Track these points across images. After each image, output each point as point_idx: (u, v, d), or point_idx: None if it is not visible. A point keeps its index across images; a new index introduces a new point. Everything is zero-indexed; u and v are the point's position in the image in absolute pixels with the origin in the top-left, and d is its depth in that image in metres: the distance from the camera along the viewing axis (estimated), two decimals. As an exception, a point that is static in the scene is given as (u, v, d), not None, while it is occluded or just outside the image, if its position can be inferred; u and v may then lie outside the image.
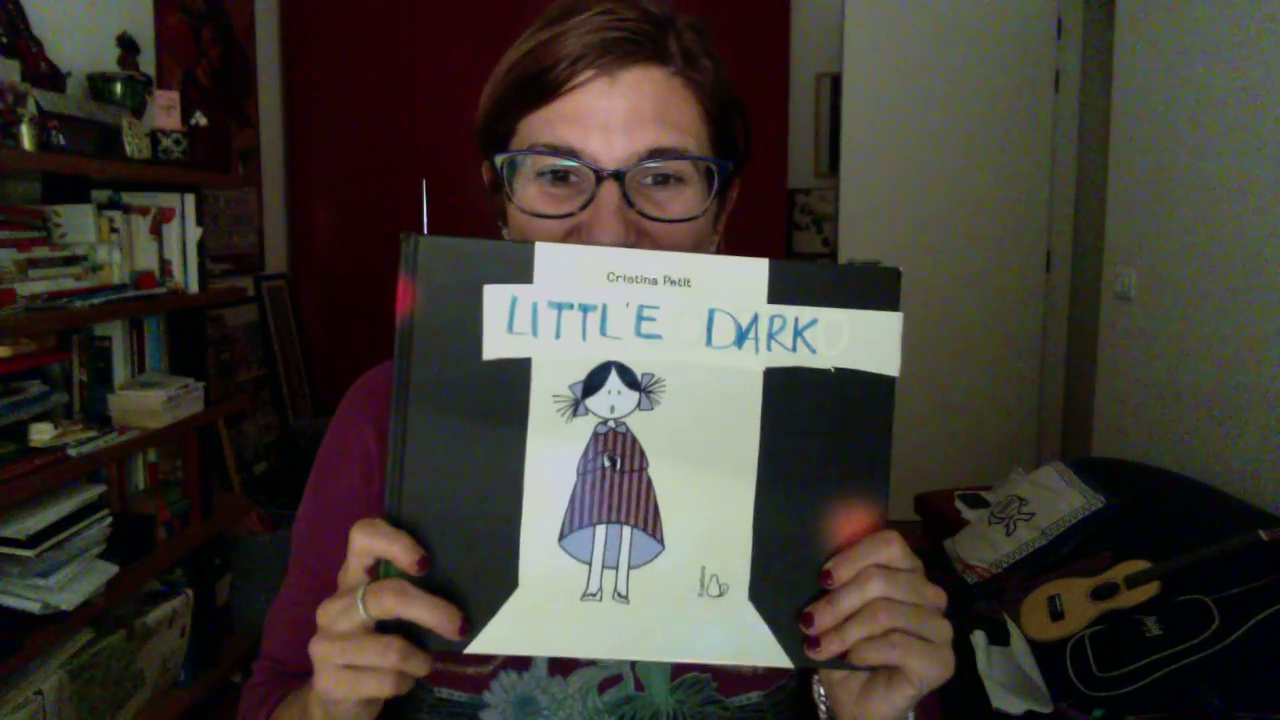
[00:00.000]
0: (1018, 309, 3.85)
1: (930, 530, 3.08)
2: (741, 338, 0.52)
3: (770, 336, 0.52)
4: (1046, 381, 3.97)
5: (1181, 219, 2.62)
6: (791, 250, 4.04)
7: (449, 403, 0.51)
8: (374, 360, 0.75)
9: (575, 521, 0.52)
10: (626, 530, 0.52)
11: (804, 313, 0.52)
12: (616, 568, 0.52)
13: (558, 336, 0.51)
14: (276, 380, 3.52)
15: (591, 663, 0.69)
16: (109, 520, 1.98)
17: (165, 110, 2.28)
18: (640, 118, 0.63)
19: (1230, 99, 2.42)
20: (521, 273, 0.51)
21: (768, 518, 0.53)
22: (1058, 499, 2.47)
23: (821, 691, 0.60)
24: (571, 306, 0.51)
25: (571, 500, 0.51)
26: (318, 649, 0.52)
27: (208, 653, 2.42)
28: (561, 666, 0.68)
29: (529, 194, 0.66)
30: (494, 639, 0.51)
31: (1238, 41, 2.39)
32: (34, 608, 1.74)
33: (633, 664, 0.69)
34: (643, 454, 0.52)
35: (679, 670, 0.69)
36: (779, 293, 0.52)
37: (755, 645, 0.53)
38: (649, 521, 0.52)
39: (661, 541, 0.52)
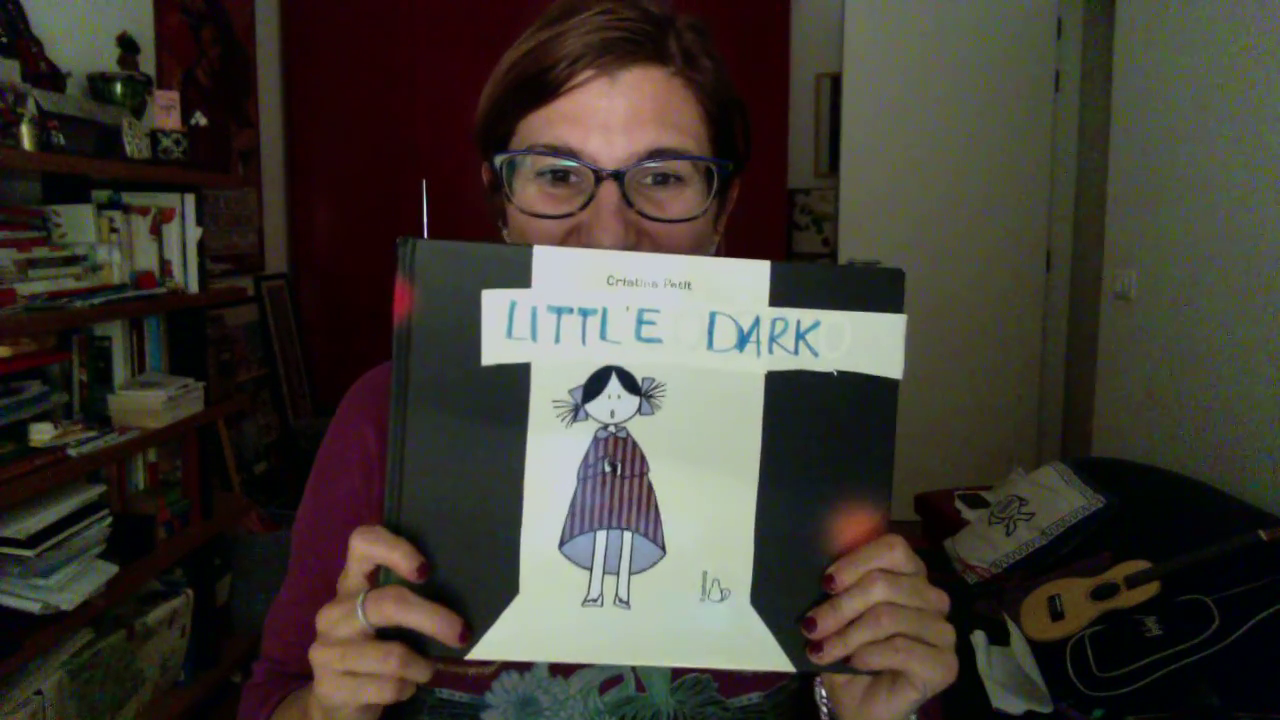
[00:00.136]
0: (1018, 309, 3.84)
1: (930, 530, 3.08)
2: (743, 341, 0.52)
3: (772, 339, 0.52)
4: (1046, 381, 3.97)
5: (1181, 219, 2.62)
6: (791, 250, 4.04)
7: (448, 408, 0.51)
8: (374, 360, 0.74)
9: (576, 527, 0.51)
10: (627, 535, 0.52)
11: (806, 315, 0.52)
12: (617, 573, 0.52)
13: (557, 341, 0.51)
14: (276, 380, 3.52)
15: (593, 664, 0.68)
16: (109, 520, 1.98)
17: (165, 110, 2.27)
18: (640, 118, 0.63)
19: (1230, 99, 2.42)
20: (520, 277, 0.50)
21: (770, 522, 0.52)
22: (1058, 499, 2.47)
23: (824, 694, 0.60)
24: (571, 310, 0.50)
25: (572, 506, 0.51)
26: (318, 655, 0.52)
27: (208, 653, 2.42)
28: (563, 667, 0.68)
29: (528, 194, 0.66)
30: (495, 645, 0.51)
31: (1238, 41, 2.39)
32: (34, 608, 1.74)
33: (634, 665, 0.69)
34: (643, 459, 0.51)
35: (680, 671, 0.69)
36: (781, 295, 0.52)
37: (757, 649, 0.53)
38: (650, 526, 0.52)
39: (663, 546, 0.52)
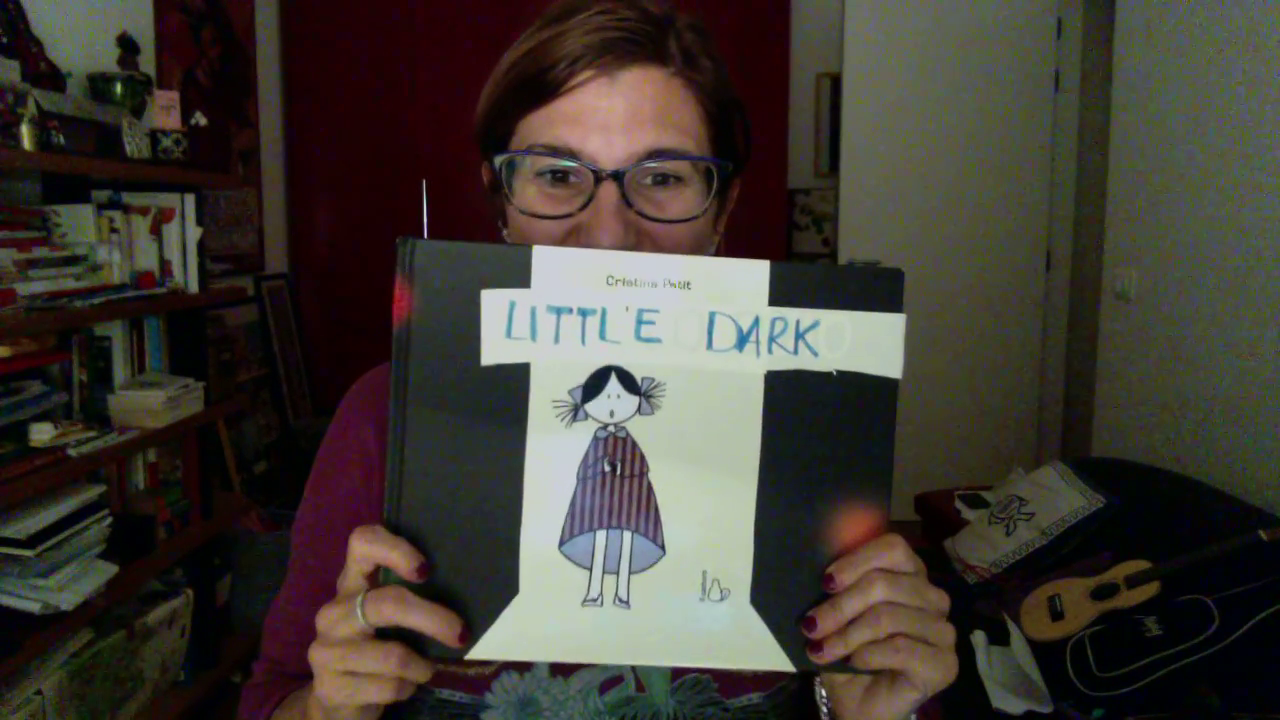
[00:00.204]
0: (1018, 309, 3.84)
1: (930, 530, 3.08)
2: (743, 341, 0.52)
3: (772, 339, 0.52)
4: (1046, 381, 3.97)
5: (1181, 219, 2.62)
6: (791, 250, 4.04)
7: (448, 408, 0.51)
8: (374, 360, 0.74)
9: (576, 527, 0.51)
10: (627, 535, 0.52)
11: (806, 315, 0.52)
12: (617, 573, 0.52)
13: (556, 341, 0.51)
14: (276, 380, 3.52)
15: (593, 664, 0.68)
16: (109, 520, 1.98)
17: (165, 110, 2.27)
18: (640, 118, 0.63)
19: (1230, 99, 2.42)
20: (519, 277, 0.50)
21: (769, 521, 0.52)
22: (1058, 499, 2.47)
23: (824, 693, 0.60)
24: (570, 310, 0.51)
25: (572, 505, 0.51)
26: (317, 655, 0.52)
27: (208, 653, 2.42)
28: (563, 667, 0.68)
29: (528, 195, 0.66)
30: (494, 645, 0.51)
31: (1238, 41, 2.39)
32: (34, 608, 1.74)
33: (633, 665, 0.69)
34: (643, 458, 0.51)
35: (680, 671, 0.69)
36: (780, 295, 0.52)
37: (757, 649, 0.53)
38: (650, 526, 0.52)
39: (662, 546, 0.52)
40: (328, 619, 0.52)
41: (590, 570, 0.51)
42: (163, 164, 2.24)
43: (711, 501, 0.52)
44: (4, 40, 2.02)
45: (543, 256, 0.50)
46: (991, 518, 2.60)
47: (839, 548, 0.53)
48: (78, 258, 2.04)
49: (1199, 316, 2.54)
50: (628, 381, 0.51)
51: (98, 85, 2.29)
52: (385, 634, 0.51)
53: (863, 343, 0.52)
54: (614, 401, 0.51)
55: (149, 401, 2.12)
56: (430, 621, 0.50)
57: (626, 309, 0.51)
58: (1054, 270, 3.90)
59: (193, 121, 2.39)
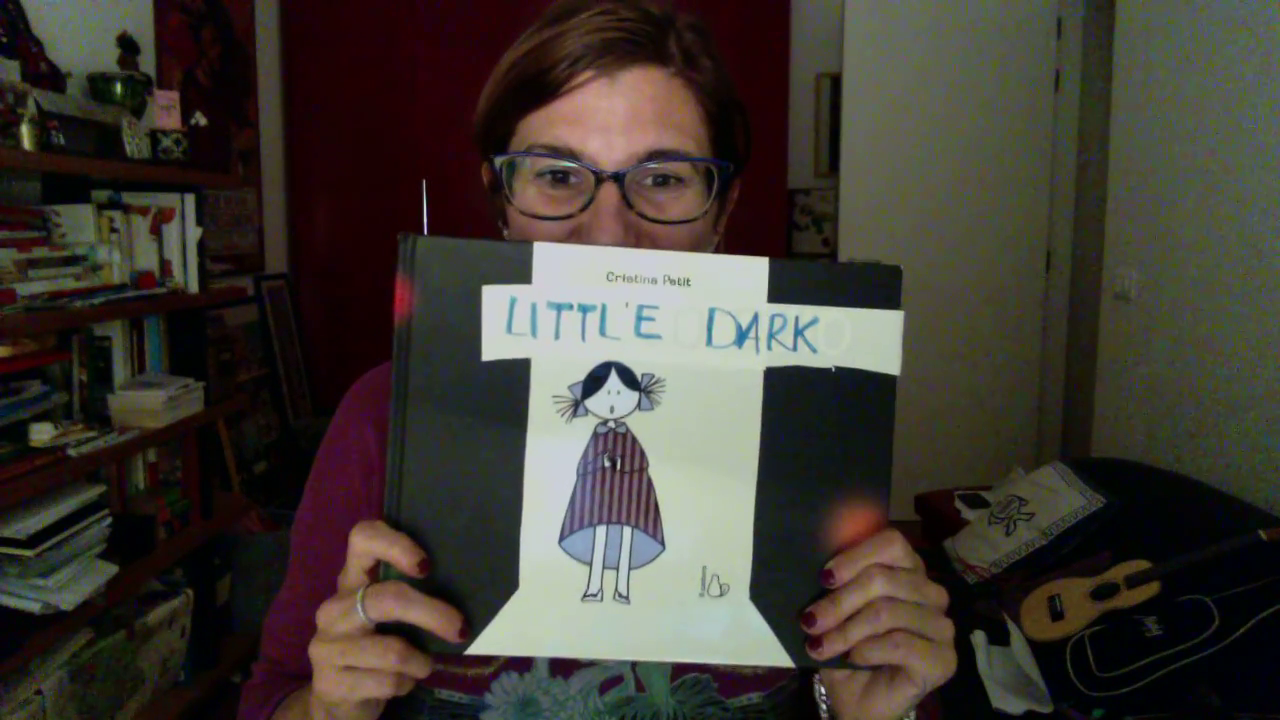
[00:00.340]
0: (1018, 309, 3.85)
1: (930, 530, 3.08)
2: (742, 337, 0.52)
3: (771, 336, 0.52)
4: (1046, 381, 3.97)
5: (1181, 219, 2.62)
6: (791, 250, 4.04)
7: (448, 404, 0.51)
8: (374, 360, 0.74)
9: (575, 522, 0.51)
10: (627, 531, 0.52)
11: (804, 312, 0.52)
12: (617, 568, 0.52)
13: (557, 337, 0.51)
14: (276, 380, 3.52)
15: (592, 663, 0.69)
16: (109, 520, 1.98)
17: (165, 110, 2.28)
18: (640, 119, 0.63)
19: (1230, 99, 2.42)
20: (520, 273, 0.50)
21: (769, 517, 0.52)
22: (1058, 499, 2.47)
23: (823, 691, 0.60)
24: (571, 307, 0.51)
25: (571, 501, 0.51)
26: (317, 651, 0.52)
27: (208, 653, 2.42)
28: (563, 667, 0.68)
29: (528, 195, 0.66)
30: (494, 640, 0.51)
31: (1238, 41, 2.39)
32: (34, 608, 1.74)
33: (633, 665, 0.69)
34: (643, 454, 0.52)
35: (679, 671, 0.69)
36: (779, 292, 0.52)
37: (757, 645, 0.53)
38: (649, 522, 0.52)
39: (662, 542, 0.52)
40: (328, 614, 0.52)
41: (590, 566, 0.52)
42: (163, 164, 2.24)
43: (711, 497, 0.52)
44: (4, 40, 2.02)
45: (544, 253, 0.51)
46: (991, 518, 2.60)
47: (838, 544, 0.53)
48: (78, 258, 2.05)
49: (1199, 316, 2.54)
50: (628, 377, 0.51)
51: (98, 85, 2.29)
52: (385, 629, 0.51)
53: (861, 339, 0.52)
54: (614, 397, 0.51)
55: (149, 401, 2.12)
56: (430, 617, 0.50)
57: (626, 305, 0.51)
58: (1054, 270, 3.90)
59: (193, 121, 2.39)
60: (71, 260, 2.02)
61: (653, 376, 0.51)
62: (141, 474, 2.30)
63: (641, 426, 0.51)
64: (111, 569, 1.93)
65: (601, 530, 0.52)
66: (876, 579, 0.51)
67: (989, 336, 3.84)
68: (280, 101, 3.76)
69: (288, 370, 3.62)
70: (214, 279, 2.68)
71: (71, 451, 1.87)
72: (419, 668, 0.51)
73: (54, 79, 2.12)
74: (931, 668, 0.52)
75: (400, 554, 0.50)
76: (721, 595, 0.52)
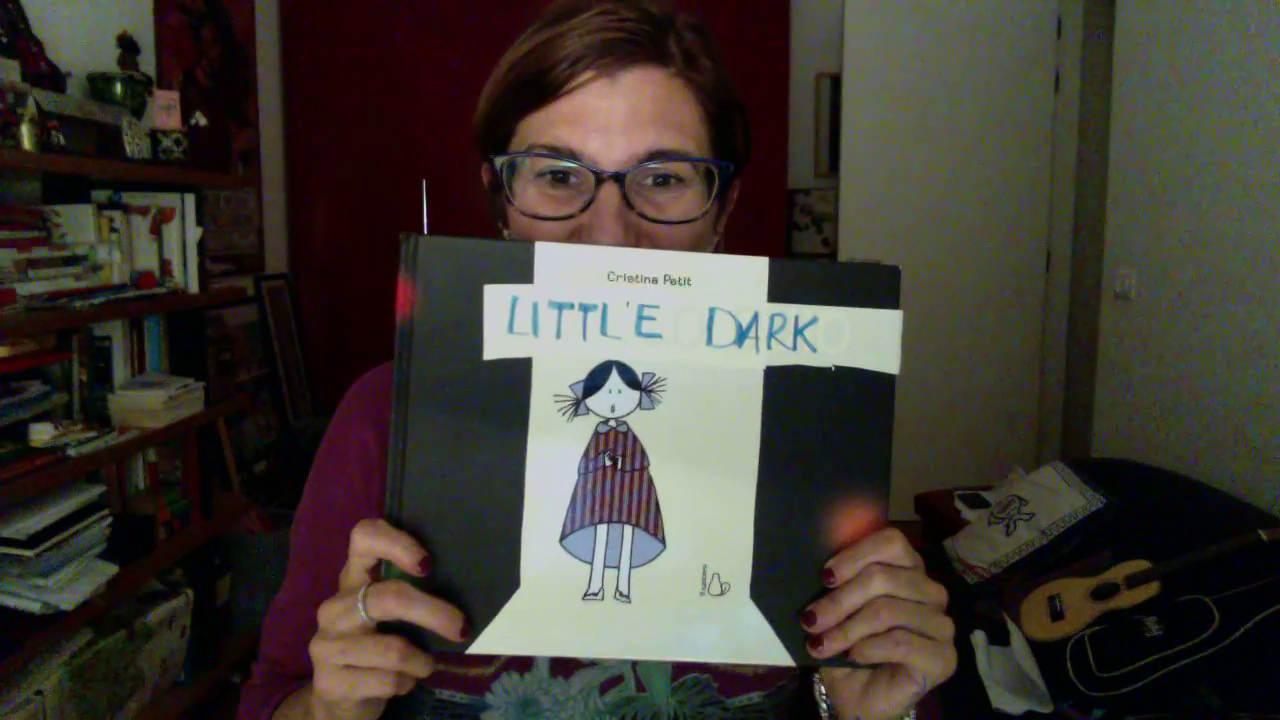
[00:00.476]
0: (1018, 309, 3.85)
1: (930, 530, 3.08)
2: (742, 336, 0.52)
3: (770, 335, 0.52)
4: (1046, 381, 3.97)
5: (1181, 219, 2.62)
6: (791, 250, 4.04)
7: (449, 403, 0.51)
8: (374, 360, 0.75)
9: (576, 521, 0.52)
10: (628, 530, 0.52)
11: (804, 311, 0.52)
12: (618, 567, 0.52)
13: (558, 336, 0.51)
14: (276, 380, 3.52)
15: (593, 664, 0.69)
16: (109, 520, 1.98)
17: (165, 110, 2.28)
18: (640, 119, 0.63)
19: (1230, 99, 2.42)
20: (522, 272, 0.51)
21: (769, 516, 0.53)
22: (1058, 499, 2.47)
23: (823, 690, 0.60)
24: (572, 306, 0.51)
25: (573, 500, 0.51)
26: (318, 649, 0.52)
27: (208, 653, 2.42)
28: (563, 667, 0.68)
29: (529, 196, 0.66)
30: (495, 640, 0.51)
31: (1238, 41, 2.39)
32: (34, 608, 1.74)
33: (634, 665, 0.69)
34: (644, 453, 0.52)
35: (680, 671, 0.69)
36: (779, 291, 0.52)
37: (757, 644, 0.53)
38: (650, 521, 0.52)
39: (663, 541, 0.52)
40: (329, 613, 0.52)
41: (591, 565, 0.52)
42: (163, 164, 2.24)
43: (711, 496, 0.52)
44: (4, 40, 2.02)
45: (545, 252, 0.51)
46: (991, 518, 2.61)
47: (838, 542, 0.53)
48: (78, 258, 2.05)
49: (1199, 316, 2.54)
50: (628, 376, 0.51)
51: (98, 85, 2.29)
52: (386, 628, 0.51)
53: (861, 339, 0.53)
54: (615, 396, 0.51)
55: (149, 401, 2.12)
56: (432, 616, 0.50)
57: (627, 305, 0.51)
58: (1054, 270, 3.90)
59: (193, 121, 2.39)
60: (71, 260, 2.02)
61: (653, 376, 0.52)
62: (141, 474, 2.30)
63: (642, 425, 0.51)
64: (111, 569, 1.93)
65: (602, 529, 0.52)
66: (876, 577, 0.52)
67: (989, 336, 3.84)
68: (280, 101, 3.76)
69: (288, 370, 3.62)
70: (214, 279, 2.68)
71: (71, 451, 1.87)
72: (420, 667, 0.51)
73: (54, 79, 2.12)
74: (932, 666, 0.52)
75: (402, 553, 0.50)
76: (722, 594, 0.53)
